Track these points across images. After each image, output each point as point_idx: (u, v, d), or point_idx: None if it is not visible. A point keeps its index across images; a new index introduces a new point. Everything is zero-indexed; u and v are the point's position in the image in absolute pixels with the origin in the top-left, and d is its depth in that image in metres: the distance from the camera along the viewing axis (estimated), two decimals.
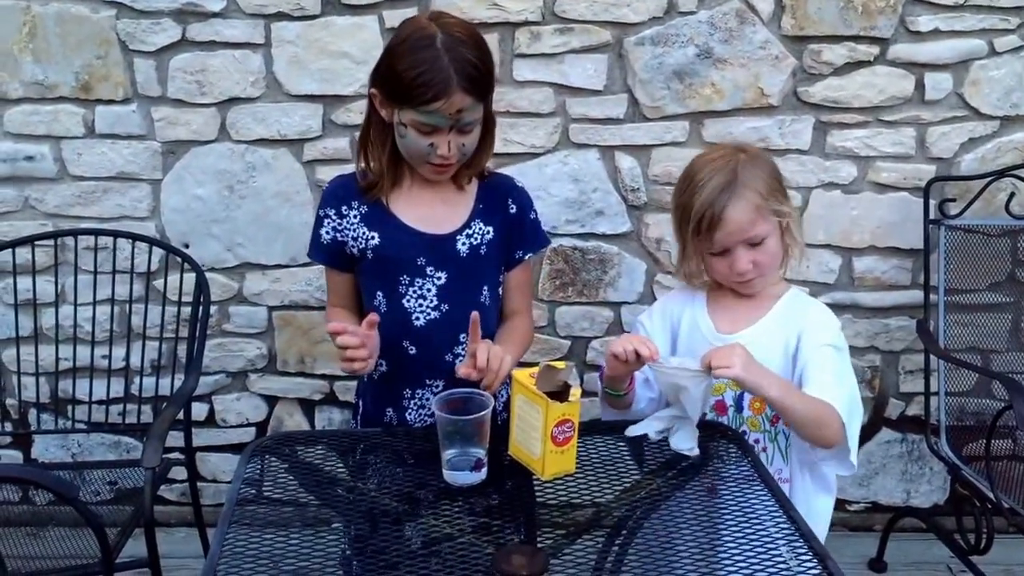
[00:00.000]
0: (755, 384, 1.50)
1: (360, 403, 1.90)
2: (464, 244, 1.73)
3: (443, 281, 1.73)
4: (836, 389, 1.57)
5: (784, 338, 1.66)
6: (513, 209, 1.80)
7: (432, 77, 1.54)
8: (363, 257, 1.73)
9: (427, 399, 1.76)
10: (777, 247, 1.67)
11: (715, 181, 1.63)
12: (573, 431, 1.46)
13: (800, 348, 1.64)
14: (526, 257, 1.84)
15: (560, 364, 1.45)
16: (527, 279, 1.90)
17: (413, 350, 1.75)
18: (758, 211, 1.62)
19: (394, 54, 1.60)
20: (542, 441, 1.44)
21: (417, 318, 1.73)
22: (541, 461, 1.46)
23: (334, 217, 1.75)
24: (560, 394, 1.42)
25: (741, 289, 1.71)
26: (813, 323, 1.66)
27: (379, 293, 1.74)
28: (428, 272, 1.72)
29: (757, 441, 1.69)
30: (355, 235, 1.73)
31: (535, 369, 1.48)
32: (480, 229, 1.75)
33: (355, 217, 1.74)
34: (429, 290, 1.72)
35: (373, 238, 1.72)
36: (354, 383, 2.68)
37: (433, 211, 1.73)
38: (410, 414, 1.79)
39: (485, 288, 1.78)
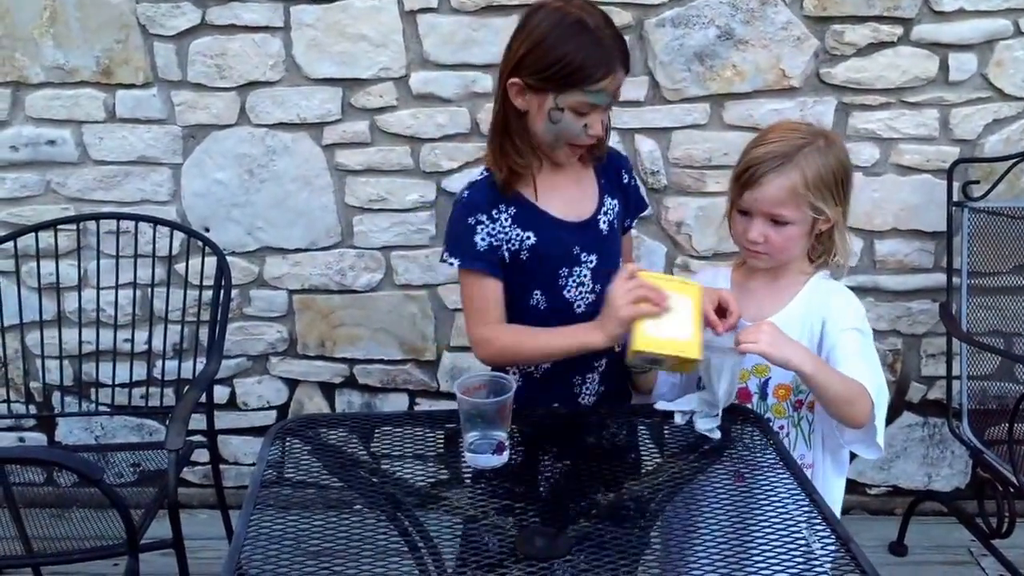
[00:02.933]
0: (783, 359, 1.48)
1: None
2: (604, 223, 1.74)
3: (594, 264, 1.72)
4: (865, 370, 1.56)
5: (809, 325, 1.65)
6: (626, 178, 1.81)
7: (600, 57, 1.55)
8: (515, 259, 1.68)
9: (594, 380, 1.77)
10: (797, 238, 1.64)
11: (776, 147, 1.62)
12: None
13: (825, 334, 1.63)
14: (632, 224, 1.85)
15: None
16: (630, 244, 1.92)
17: None
18: (793, 194, 1.59)
19: (549, 42, 1.57)
20: (694, 323, 1.47)
21: (579, 306, 1.72)
22: (694, 343, 1.46)
23: (487, 222, 1.67)
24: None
25: (748, 259, 1.70)
26: (837, 308, 1.65)
27: (537, 292, 1.71)
28: (582, 259, 1.71)
29: (782, 427, 1.68)
30: (509, 237, 1.67)
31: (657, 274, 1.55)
32: (610, 204, 1.75)
33: (507, 220, 1.67)
34: (585, 275, 1.71)
35: (529, 238, 1.67)
36: (373, 368, 2.71)
37: (571, 196, 1.72)
38: (584, 400, 1.78)
39: (620, 260, 1.78)
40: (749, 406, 1.69)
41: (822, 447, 1.69)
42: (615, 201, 1.77)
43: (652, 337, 1.46)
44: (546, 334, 1.65)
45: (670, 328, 1.47)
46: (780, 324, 1.61)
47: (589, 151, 1.71)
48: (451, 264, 1.69)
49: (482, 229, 1.67)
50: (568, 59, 1.55)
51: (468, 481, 1.44)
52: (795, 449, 1.67)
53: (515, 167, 1.66)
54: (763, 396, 1.68)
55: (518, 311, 1.71)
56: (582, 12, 1.58)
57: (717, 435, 1.56)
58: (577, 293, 1.71)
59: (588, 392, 1.78)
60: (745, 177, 1.62)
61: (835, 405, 1.54)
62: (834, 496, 1.71)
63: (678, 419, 1.61)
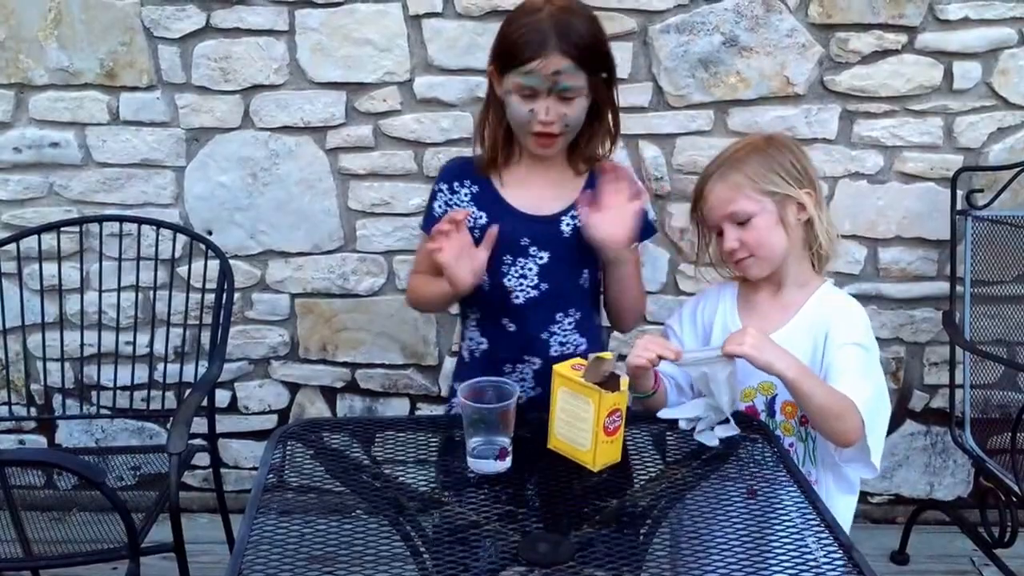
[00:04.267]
0: (766, 362, 1.48)
1: (458, 385, 1.84)
2: (568, 225, 1.73)
3: (545, 261, 1.73)
4: (857, 386, 1.54)
5: (813, 338, 1.63)
6: None
7: (530, 37, 1.58)
8: (470, 236, 1.72)
9: (527, 374, 1.78)
10: (769, 229, 1.63)
11: (714, 160, 1.69)
12: (621, 420, 1.46)
13: (826, 349, 1.62)
14: (632, 246, 1.78)
15: (607, 355, 1.44)
16: (637, 267, 1.85)
17: (512, 327, 1.77)
18: (738, 188, 1.62)
19: (505, 23, 1.67)
20: (593, 433, 1.44)
21: (517, 296, 1.74)
22: (592, 453, 1.45)
23: (446, 192, 1.78)
24: (607, 384, 1.42)
25: (740, 272, 1.70)
26: (839, 322, 1.62)
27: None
28: (531, 252, 1.73)
29: (791, 445, 1.67)
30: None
31: (574, 361, 1.48)
32: (586, 212, 1.73)
33: (466, 195, 1.77)
34: (531, 269, 1.73)
35: (481, 217, 1.73)
36: (375, 372, 2.71)
37: (541, 194, 1.74)
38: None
39: (585, 272, 1.77)
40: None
41: (823, 463, 1.68)
42: None
43: (560, 440, 1.50)
44: (428, 281, 1.77)
45: (576, 434, 1.47)
46: (785, 338, 1.60)
47: (578, 153, 1.74)
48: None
49: (441, 197, 1.79)
50: (505, 39, 1.64)
51: (471, 487, 1.44)
52: (802, 465, 1.65)
53: (487, 153, 1.75)
54: (771, 414, 1.67)
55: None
56: (551, 2, 1.61)
57: (715, 444, 1.55)
58: (517, 283, 1.74)
59: (519, 382, 1.76)
60: (696, 198, 1.69)
61: (821, 417, 1.52)
62: (841, 515, 1.68)
63: (682, 424, 1.60)
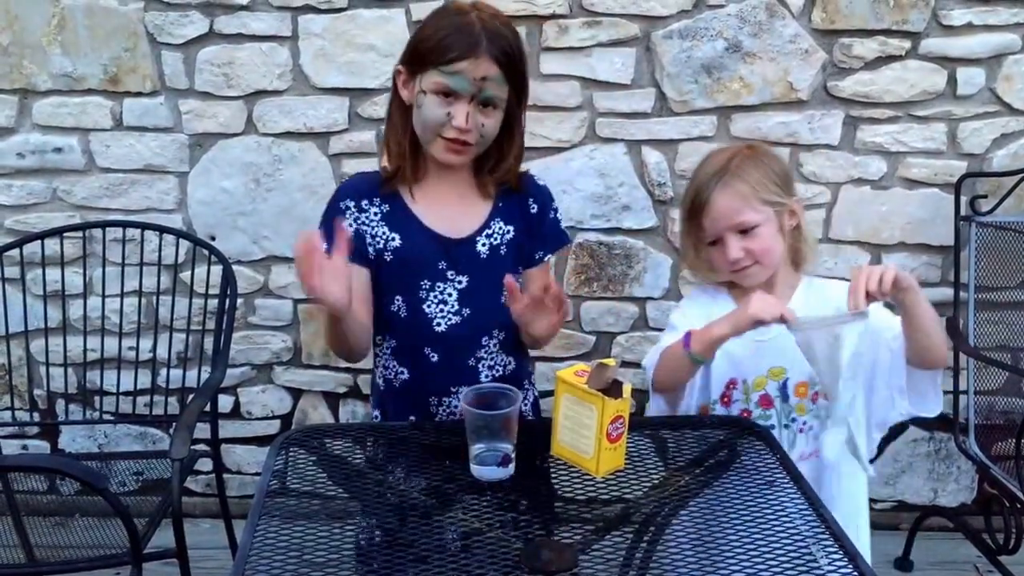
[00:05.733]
0: (910, 283, 1.51)
1: (378, 413, 1.84)
2: (484, 245, 1.68)
3: (464, 285, 1.68)
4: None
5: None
6: (534, 208, 1.74)
7: (461, 37, 1.53)
8: (380, 259, 1.67)
9: (455, 406, 1.72)
10: (773, 237, 1.67)
11: (708, 169, 1.69)
12: (624, 427, 1.46)
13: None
14: (546, 257, 1.77)
15: (610, 361, 1.44)
16: (547, 277, 1.79)
17: (435, 357, 1.70)
18: (744, 199, 1.64)
19: (424, 23, 1.62)
20: (596, 439, 1.43)
21: (439, 324, 1.68)
22: (595, 459, 1.45)
23: (354, 210, 1.67)
24: (610, 391, 1.42)
25: (740, 280, 1.70)
26: (842, 296, 1.59)
27: (398, 298, 1.69)
28: (449, 276, 1.67)
29: (805, 424, 1.70)
30: (374, 233, 1.67)
31: (577, 368, 1.48)
32: (500, 228, 1.69)
33: (376, 214, 1.67)
34: (451, 295, 1.67)
35: (394, 239, 1.66)
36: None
37: (452, 212, 1.68)
38: (441, 419, 1.74)
39: (505, 289, 1.73)
40: (772, 412, 1.69)
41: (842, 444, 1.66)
42: (510, 228, 1.70)
43: (563, 446, 1.50)
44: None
45: (579, 440, 1.47)
46: (785, 332, 1.60)
47: (489, 175, 1.67)
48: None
49: (350, 215, 1.67)
50: (428, 36, 1.57)
51: (473, 493, 1.43)
52: (816, 443, 1.69)
53: (394, 162, 1.66)
54: (784, 398, 1.70)
55: (382, 316, 1.71)
56: (477, 10, 1.57)
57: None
58: (438, 310, 1.67)
59: (448, 415, 1.73)
60: (695, 208, 1.68)
61: (933, 324, 1.55)
62: (856, 495, 1.73)
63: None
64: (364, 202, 1.68)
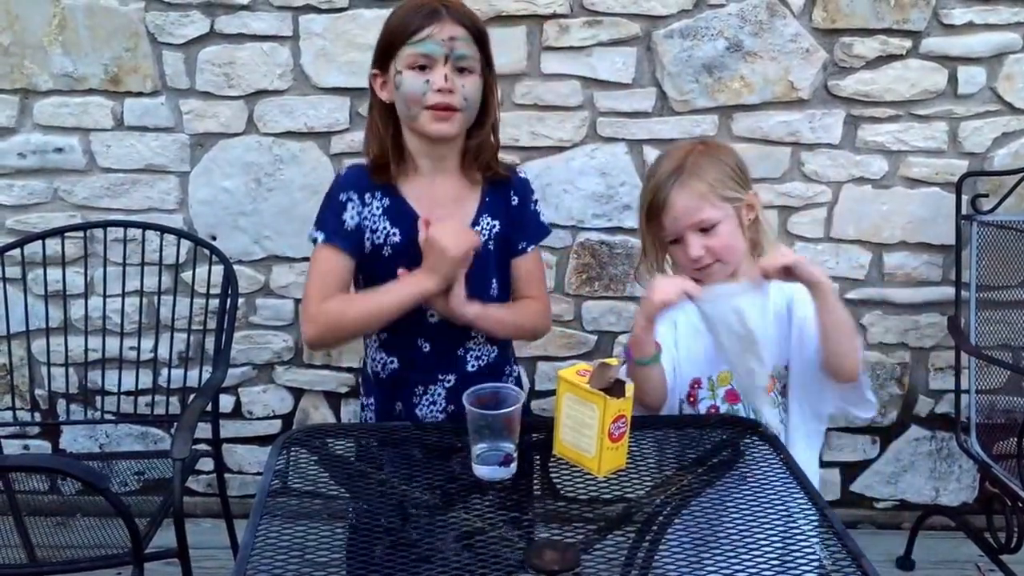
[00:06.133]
0: (809, 272, 1.50)
1: (372, 401, 1.85)
2: None
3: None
4: None
5: (774, 309, 1.66)
6: (515, 200, 1.78)
7: (421, 10, 1.62)
8: (378, 252, 1.70)
9: (439, 394, 1.77)
10: (733, 234, 1.66)
11: (665, 168, 1.68)
12: (627, 426, 1.46)
13: (794, 308, 1.64)
14: (529, 249, 1.81)
15: (612, 360, 1.44)
16: (536, 267, 1.84)
17: (427, 347, 1.75)
18: (703, 197, 1.63)
19: (385, 23, 1.69)
20: (598, 439, 1.43)
21: (432, 315, 1.71)
22: (597, 459, 1.45)
23: (357, 202, 1.69)
24: (612, 390, 1.42)
25: (704, 279, 1.67)
26: (799, 289, 1.61)
27: None
28: None
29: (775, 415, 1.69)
30: (375, 227, 1.69)
31: (579, 367, 1.48)
32: (488, 223, 1.74)
33: (377, 209, 1.70)
34: None
35: (394, 234, 1.69)
36: None
37: (446, 209, 1.71)
38: (420, 410, 1.78)
39: (494, 281, 1.77)
40: (739, 407, 1.69)
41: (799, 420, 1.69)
42: (496, 222, 1.75)
43: (565, 446, 1.50)
44: (374, 293, 1.66)
45: (581, 440, 1.46)
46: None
47: (476, 159, 1.72)
48: (314, 240, 1.69)
49: (352, 208, 1.69)
50: (392, 24, 1.66)
51: (476, 493, 1.43)
52: (786, 431, 1.69)
53: (377, 152, 1.71)
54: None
55: None
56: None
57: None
58: None
59: (429, 405, 1.77)
60: (654, 208, 1.67)
61: (840, 333, 1.55)
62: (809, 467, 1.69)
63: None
64: (367, 195, 1.70)
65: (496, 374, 1.81)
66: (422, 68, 1.61)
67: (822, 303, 1.54)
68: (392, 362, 1.77)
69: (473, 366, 1.77)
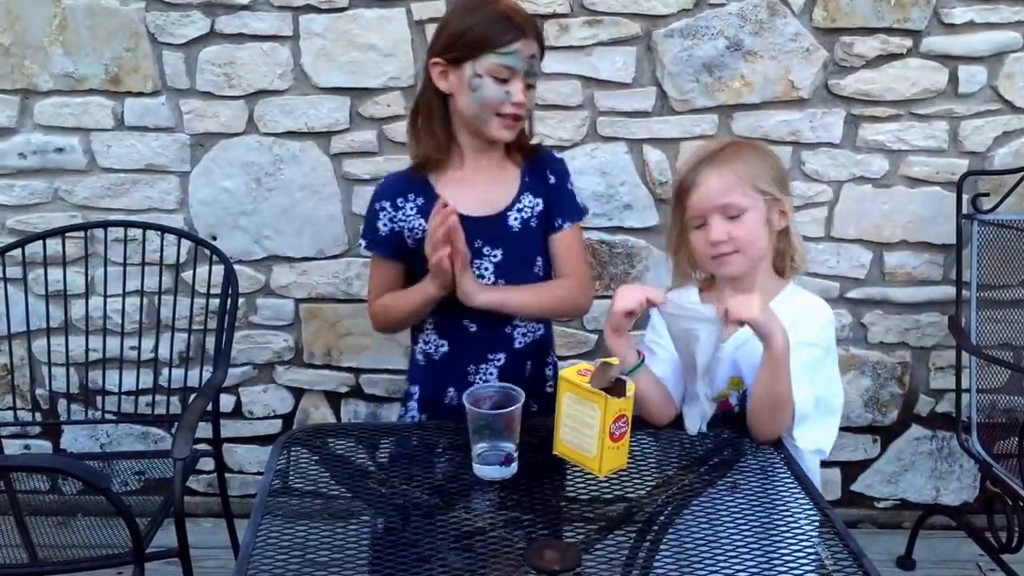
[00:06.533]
0: (770, 331, 1.47)
1: (416, 388, 1.90)
2: (516, 219, 1.78)
3: (499, 258, 1.78)
4: (800, 383, 1.54)
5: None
6: (552, 179, 1.84)
7: (510, 23, 1.68)
8: (420, 245, 1.74)
9: (491, 373, 1.83)
10: (758, 228, 1.62)
11: (702, 153, 1.68)
12: (627, 426, 1.46)
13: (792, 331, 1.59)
14: (565, 226, 1.84)
15: (613, 360, 1.44)
16: (573, 244, 1.87)
17: (474, 328, 1.80)
18: (736, 181, 1.60)
19: (462, 15, 1.73)
20: (599, 438, 1.43)
21: None
22: (598, 458, 1.45)
23: (389, 209, 1.79)
24: (613, 390, 1.42)
25: (718, 270, 1.66)
26: (796, 320, 1.59)
27: None
28: (484, 252, 1.77)
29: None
30: (412, 226, 1.78)
31: (580, 367, 1.48)
32: (530, 202, 1.80)
33: (412, 209, 1.78)
34: (487, 269, 1.77)
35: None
36: (379, 377, 2.71)
37: (485, 194, 1.78)
38: None
39: (538, 259, 1.83)
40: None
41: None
42: (538, 200, 1.81)
43: (566, 445, 1.50)
44: (402, 294, 1.81)
45: (582, 440, 1.47)
46: (748, 338, 1.58)
47: (519, 147, 1.80)
48: (360, 246, 1.89)
49: (384, 215, 1.80)
50: (476, 26, 1.69)
51: (476, 493, 1.43)
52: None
53: (432, 153, 1.77)
54: (744, 407, 1.65)
55: None
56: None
57: (701, 428, 1.57)
58: None
59: (481, 383, 1.81)
60: (684, 187, 1.65)
61: (771, 403, 1.53)
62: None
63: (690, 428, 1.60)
64: (399, 200, 1.79)
65: (542, 353, 1.91)
66: (502, 77, 1.68)
67: (768, 362, 1.51)
68: (443, 345, 1.84)
69: (520, 343, 1.84)
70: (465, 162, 1.79)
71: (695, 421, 1.58)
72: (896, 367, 2.67)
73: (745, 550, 1.29)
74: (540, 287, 1.83)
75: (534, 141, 1.88)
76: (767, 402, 1.54)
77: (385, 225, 1.80)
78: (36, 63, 2.45)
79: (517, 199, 1.79)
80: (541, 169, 1.84)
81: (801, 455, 1.60)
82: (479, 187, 1.78)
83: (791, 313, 1.60)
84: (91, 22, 2.42)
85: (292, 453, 1.56)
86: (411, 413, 1.90)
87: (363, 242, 1.86)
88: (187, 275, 2.56)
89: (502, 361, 1.82)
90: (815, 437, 1.59)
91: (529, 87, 1.72)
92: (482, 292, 1.71)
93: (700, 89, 2.45)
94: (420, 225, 1.76)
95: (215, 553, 2.46)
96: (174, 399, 2.54)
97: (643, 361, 1.58)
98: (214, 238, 2.56)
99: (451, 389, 1.84)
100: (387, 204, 1.80)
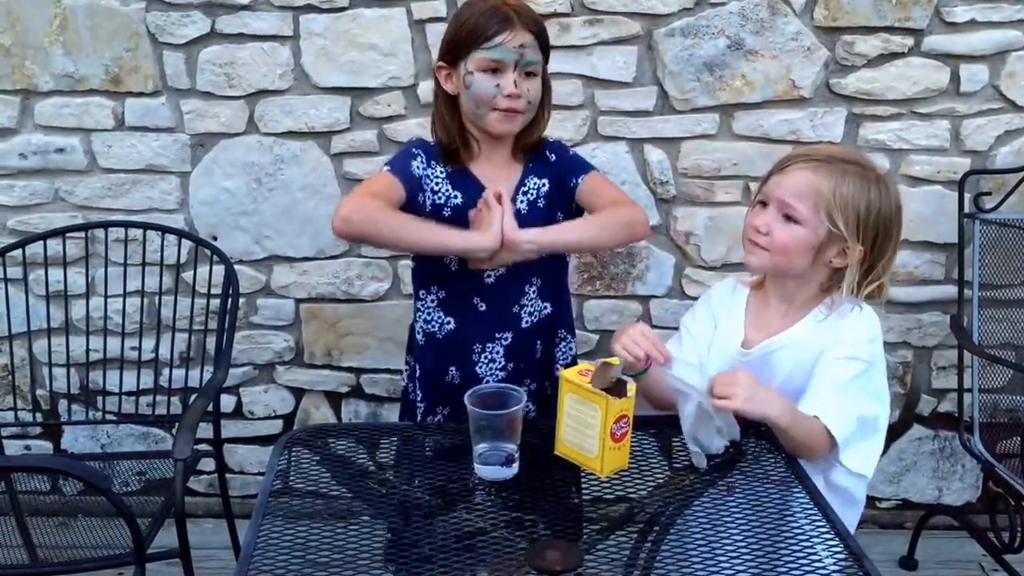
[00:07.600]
0: (761, 414, 1.48)
1: (416, 366, 1.91)
2: (522, 202, 1.80)
3: None
4: (830, 400, 1.53)
5: (813, 350, 1.60)
6: (553, 157, 1.87)
7: (496, 16, 1.69)
8: (437, 213, 1.77)
9: (497, 352, 1.84)
10: (802, 247, 1.57)
11: (820, 152, 1.67)
12: (629, 426, 1.46)
13: (820, 360, 1.58)
14: (582, 178, 1.85)
15: (614, 360, 1.44)
16: (600, 182, 1.86)
17: (483, 306, 1.82)
18: (814, 193, 1.54)
19: (456, 16, 1.78)
20: (600, 439, 1.43)
21: (488, 275, 1.80)
22: (599, 459, 1.45)
23: (423, 160, 1.79)
24: (614, 390, 1.41)
25: (746, 255, 1.64)
26: (839, 335, 1.58)
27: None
28: None
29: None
30: (436, 188, 1.79)
31: (581, 367, 1.48)
32: (535, 183, 1.82)
33: (441, 173, 1.80)
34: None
35: (456, 196, 1.78)
36: (380, 377, 2.71)
37: (496, 177, 1.80)
38: (480, 368, 1.84)
39: None
40: None
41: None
42: (543, 180, 1.83)
43: (567, 446, 1.50)
44: (423, 223, 1.70)
45: (583, 440, 1.46)
46: (783, 345, 1.58)
47: (525, 144, 1.82)
48: (383, 169, 1.78)
49: (421, 161, 1.79)
50: (465, 24, 1.72)
51: (478, 493, 1.43)
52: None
53: (450, 145, 1.80)
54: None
55: (433, 264, 1.83)
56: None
57: (702, 464, 1.53)
58: None
59: (488, 363, 1.84)
60: (780, 165, 1.63)
61: (792, 446, 1.54)
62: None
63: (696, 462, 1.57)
64: (432, 162, 1.81)
65: (549, 332, 1.90)
66: (493, 71, 1.70)
67: (776, 430, 1.52)
68: (448, 323, 1.85)
69: (527, 323, 1.85)
70: (480, 153, 1.82)
71: (700, 460, 1.55)
72: (898, 367, 2.67)
73: (746, 550, 1.28)
74: (586, 218, 1.84)
75: None
76: (790, 448, 1.55)
77: (417, 169, 1.78)
78: (36, 63, 2.45)
79: (522, 182, 1.82)
80: (542, 153, 1.87)
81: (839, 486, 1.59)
82: (495, 172, 1.81)
83: (834, 326, 1.60)
84: (91, 22, 2.42)
85: (293, 453, 1.56)
86: (412, 396, 1.92)
87: (386, 167, 1.77)
88: (188, 275, 2.55)
89: (509, 340, 1.84)
90: (858, 461, 1.56)
91: (530, 76, 1.73)
92: (523, 232, 1.68)
93: (701, 88, 2.44)
94: (446, 192, 1.78)
95: (216, 554, 2.45)
96: (175, 399, 2.54)
97: (647, 369, 1.55)
98: (215, 238, 2.56)
99: (453, 368, 1.85)
100: (422, 154, 1.80)
